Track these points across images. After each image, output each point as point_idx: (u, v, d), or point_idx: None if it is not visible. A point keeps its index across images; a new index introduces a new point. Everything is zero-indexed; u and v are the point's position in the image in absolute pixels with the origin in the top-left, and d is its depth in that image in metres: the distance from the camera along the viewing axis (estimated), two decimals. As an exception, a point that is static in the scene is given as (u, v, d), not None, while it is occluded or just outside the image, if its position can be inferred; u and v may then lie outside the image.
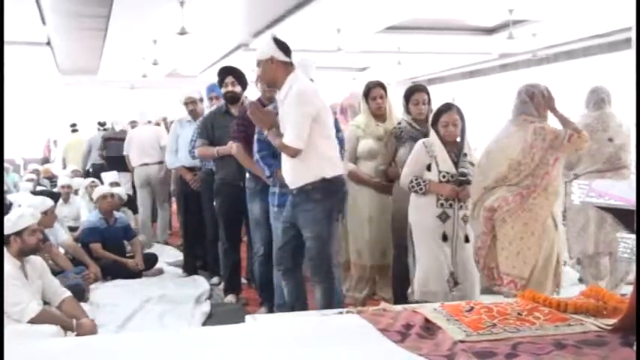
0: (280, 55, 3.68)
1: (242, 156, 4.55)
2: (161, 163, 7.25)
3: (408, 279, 4.27)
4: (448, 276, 3.99)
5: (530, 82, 3.95)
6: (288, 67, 3.70)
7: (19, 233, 3.80)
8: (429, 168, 4.06)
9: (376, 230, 4.71)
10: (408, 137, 4.43)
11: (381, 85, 4.77)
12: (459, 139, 4.14)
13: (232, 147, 4.66)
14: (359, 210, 4.70)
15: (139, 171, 7.52)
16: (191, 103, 6.05)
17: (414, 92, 4.51)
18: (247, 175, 4.68)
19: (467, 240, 4.05)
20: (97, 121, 10.78)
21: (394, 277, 4.62)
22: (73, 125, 12.49)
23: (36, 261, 3.97)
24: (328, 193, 3.72)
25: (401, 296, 4.38)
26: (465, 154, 4.12)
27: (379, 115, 4.74)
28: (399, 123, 4.56)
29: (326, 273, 3.79)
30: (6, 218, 3.91)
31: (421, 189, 4.03)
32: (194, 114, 6.00)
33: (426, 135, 4.27)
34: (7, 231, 3.79)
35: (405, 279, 4.35)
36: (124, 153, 7.81)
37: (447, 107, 4.10)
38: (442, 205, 4.02)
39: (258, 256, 4.63)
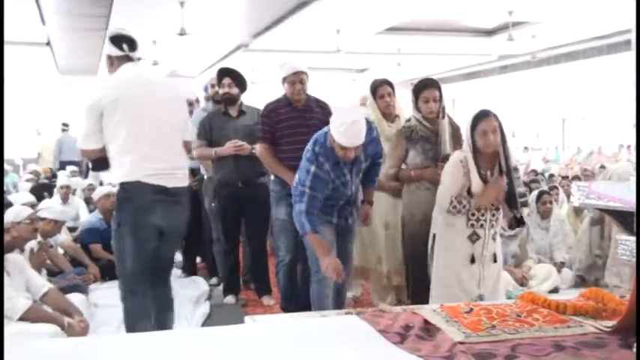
0: (114, 51, 3.48)
1: (268, 158, 4.32)
2: None
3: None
4: (476, 298, 3.53)
5: None
6: (121, 60, 3.48)
7: None
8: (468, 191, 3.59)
9: (392, 238, 4.52)
10: (419, 137, 4.07)
11: (388, 83, 4.61)
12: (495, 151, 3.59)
13: (257, 147, 4.45)
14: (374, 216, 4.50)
15: None
16: (188, 105, 6.04)
17: (424, 88, 4.07)
18: (272, 177, 4.50)
19: (495, 260, 3.70)
20: (61, 122, 11.32)
21: (414, 290, 4.22)
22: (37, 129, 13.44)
23: (15, 257, 3.96)
24: (120, 202, 3.42)
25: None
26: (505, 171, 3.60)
27: (388, 113, 4.58)
28: (408, 120, 4.22)
29: (122, 297, 3.46)
30: None
31: (464, 207, 3.56)
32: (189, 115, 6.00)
33: (437, 135, 4.04)
34: None
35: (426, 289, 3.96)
36: None
37: (484, 114, 3.55)
38: (472, 225, 3.62)
39: (282, 265, 4.34)
